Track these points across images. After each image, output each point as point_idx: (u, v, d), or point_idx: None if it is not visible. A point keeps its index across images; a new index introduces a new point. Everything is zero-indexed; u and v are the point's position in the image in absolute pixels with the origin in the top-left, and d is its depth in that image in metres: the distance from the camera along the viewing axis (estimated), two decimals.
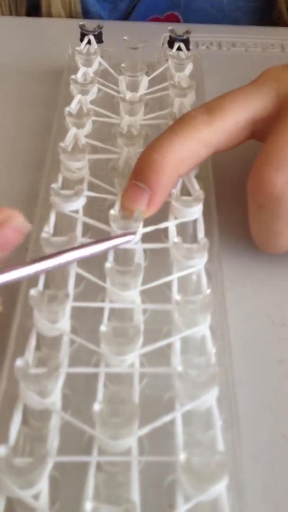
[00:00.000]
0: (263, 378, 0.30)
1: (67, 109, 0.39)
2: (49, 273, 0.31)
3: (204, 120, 0.34)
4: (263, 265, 0.36)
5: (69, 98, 0.41)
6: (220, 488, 0.23)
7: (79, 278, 0.31)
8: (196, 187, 0.35)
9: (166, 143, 0.33)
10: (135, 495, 0.23)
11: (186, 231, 0.34)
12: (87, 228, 0.34)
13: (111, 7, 0.61)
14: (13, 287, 0.33)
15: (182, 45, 0.46)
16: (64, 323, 0.28)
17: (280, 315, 0.33)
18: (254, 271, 0.36)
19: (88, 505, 0.23)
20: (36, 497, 0.23)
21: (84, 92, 0.42)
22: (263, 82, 0.36)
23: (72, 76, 0.43)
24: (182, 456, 0.24)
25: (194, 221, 0.34)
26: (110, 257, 0.31)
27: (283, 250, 0.34)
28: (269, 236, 0.34)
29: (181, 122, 0.34)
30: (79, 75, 0.44)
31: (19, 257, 0.35)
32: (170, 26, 0.48)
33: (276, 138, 0.33)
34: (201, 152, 0.34)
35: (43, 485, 0.23)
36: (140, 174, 0.33)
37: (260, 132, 0.35)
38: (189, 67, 0.45)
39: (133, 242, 0.32)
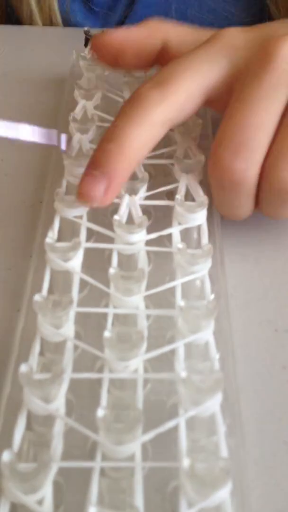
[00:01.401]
0: (266, 384, 0.30)
1: (71, 114, 0.39)
2: (53, 278, 0.31)
3: (156, 98, 0.33)
4: (266, 271, 0.36)
5: (72, 104, 0.42)
6: (223, 494, 0.23)
7: (83, 284, 0.31)
8: (200, 193, 0.35)
9: (122, 133, 0.33)
10: (139, 500, 0.23)
11: (190, 237, 0.34)
12: (91, 234, 0.34)
13: (103, 18, 0.60)
14: (17, 293, 0.34)
15: None
16: (68, 329, 0.29)
17: (283, 322, 0.33)
18: (257, 277, 0.36)
19: (92, 510, 0.23)
20: (40, 502, 0.23)
21: (88, 98, 0.42)
22: (216, 48, 0.34)
23: (77, 82, 0.43)
24: (185, 462, 0.24)
25: (198, 227, 0.34)
26: (114, 262, 0.31)
27: (243, 218, 0.36)
28: (231, 209, 0.35)
29: (133, 103, 0.33)
30: (83, 81, 0.44)
31: (23, 263, 0.35)
32: None
33: (231, 118, 0.33)
34: (158, 132, 0.34)
35: (47, 491, 0.23)
36: (97, 164, 0.32)
37: (213, 101, 0.35)
38: None
39: None
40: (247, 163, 0.32)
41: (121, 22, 0.61)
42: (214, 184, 0.34)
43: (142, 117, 0.33)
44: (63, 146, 0.36)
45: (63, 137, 0.34)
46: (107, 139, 0.33)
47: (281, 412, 0.29)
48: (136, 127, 0.33)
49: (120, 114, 0.34)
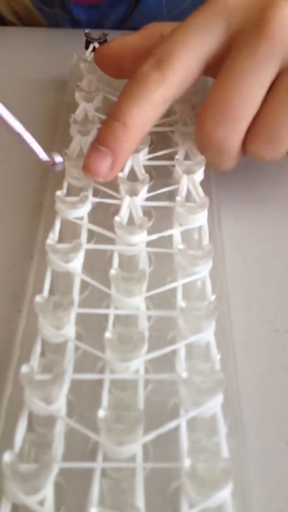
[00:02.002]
0: (267, 384, 0.30)
1: (72, 116, 0.39)
2: (54, 279, 0.31)
3: (156, 78, 0.34)
4: (266, 272, 0.36)
5: (73, 106, 0.42)
6: (224, 495, 0.23)
7: (84, 285, 0.31)
8: (201, 194, 0.35)
9: (126, 112, 0.34)
10: (140, 501, 0.23)
11: (191, 238, 0.34)
12: (92, 235, 0.34)
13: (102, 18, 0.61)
14: (18, 294, 0.34)
15: (98, 46, 0.47)
16: (69, 330, 0.29)
17: (283, 322, 0.33)
18: (258, 277, 0.36)
19: (93, 511, 0.23)
20: (41, 503, 0.23)
21: (89, 100, 0.42)
22: (213, 12, 0.34)
23: (77, 84, 0.43)
24: (186, 463, 0.24)
25: (199, 228, 0.34)
26: (115, 263, 0.31)
27: (227, 169, 0.37)
28: (216, 165, 0.37)
29: (135, 84, 0.34)
30: (84, 83, 0.44)
31: (24, 264, 0.35)
32: None
33: (220, 86, 0.34)
34: (160, 110, 0.35)
35: (48, 491, 0.23)
36: (103, 140, 0.34)
37: (212, 68, 0.35)
38: None
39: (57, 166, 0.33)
40: (228, 132, 0.34)
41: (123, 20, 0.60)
42: (199, 145, 0.36)
43: (144, 98, 0.34)
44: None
45: None
46: (112, 117, 0.34)
47: (282, 412, 0.29)
48: (139, 107, 0.34)
49: (123, 93, 0.35)
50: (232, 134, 0.34)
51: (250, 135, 0.35)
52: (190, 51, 0.34)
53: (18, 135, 0.33)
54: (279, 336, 0.33)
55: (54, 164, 0.33)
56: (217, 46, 0.34)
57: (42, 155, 0.33)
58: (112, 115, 0.34)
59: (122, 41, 0.40)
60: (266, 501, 0.26)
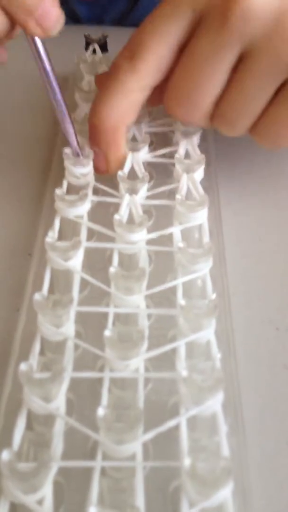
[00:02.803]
0: (268, 383, 0.30)
1: (72, 116, 0.39)
2: (53, 278, 0.31)
3: (127, 68, 0.35)
4: (267, 270, 0.36)
5: (73, 106, 0.42)
6: (225, 494, 0.23)
7: (83, 283, 0.31)
8: (201, 192, 0.35)
9: (100, 107, 0.35)
10: (140, 500, 0.23)
11: (191, 236, 0.34)
12: (92, 234, 0.34)
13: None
14: (17, 292, 0.33)
15: (97, 48, 0.47)
16: (69, 328, 0.28)
17: (284, 321, 0.33)
18: (258, 276, 0.35)
19: (92, 510, 0.23)
20: (40, 502, 0.23)
21: (89, 100, 0.42)
22: (179, 0, 0.34)
23: (77, 84, 0.43)
24: (186, 462, 0.24)
25: (199, 226, 0.34)
26: (115, 261, 0.31)
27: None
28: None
29: (108, 76, 0.35)
30: (84, 83, 0.44)
31: (23, 262, 0.35)
32: None
33: (180, 68, 0.34)
34: (138, 98, 0.35)
35: (47, 490, 0.23)
36: (91, 140, 0.36)
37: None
38: None
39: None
40: (190, 112, 0.35)
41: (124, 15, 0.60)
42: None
43: (116, 89, 0.35)
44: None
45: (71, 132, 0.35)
46: (90, 114, 0.36)
47: (283, 411, 0.29)
48: (113, 97, 0.35)
49: (98, 87, 0.37)
50: (194, 114, 0.35)
51: (214, 113, 0.35)
52: (159, 38, 0.34)
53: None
54: (280, 334, 0.32)
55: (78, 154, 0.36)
56: (185, 32, 0.34)
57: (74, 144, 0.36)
58: (90, 111, 0.36)
59: None
60: (267, 500, 0.26)
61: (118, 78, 0.35)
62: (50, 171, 0.40)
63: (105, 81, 0.35)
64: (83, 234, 0.32)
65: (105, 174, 0.36)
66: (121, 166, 0.36)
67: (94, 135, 0.36)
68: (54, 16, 0.32)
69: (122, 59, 0.35)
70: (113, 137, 0.35)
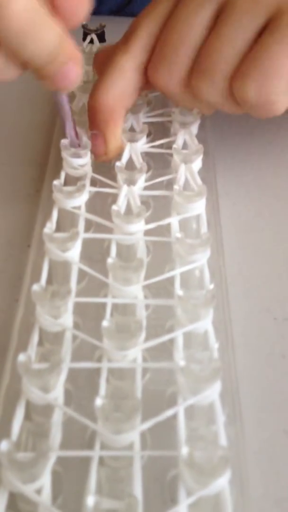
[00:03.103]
0: (265, 373, 0.30)
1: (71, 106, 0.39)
2: (52, 269, 0.31)
3: (121, 50, 0.36)
4: (265, 260, 0.36)
5: (71, 97, 0.41)
6: (222, 483, 0.23)
7: (81, 274, 0.31)
8: (198, 182, 0.35)
9: (98, 88, 0.36)
10: (137, 489, 0.23)
11: (189, 227, 0.34)
12: (89, 225, 0.34)
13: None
14: (15, 283, 0.33)
15: (95, 38, 0.47)
16: (67, 319, 0.28)
17: (282, 311, 0.33)
18: (256, 266, 0.35)
19: (91, 499, 0.23)
20: (38, 491, 0.23)
21: (87, 91, 0.41)
22: None
23: None
24: (184, 451, 0.24)
25: (197, 217, 0.34)
26: (113, 252, 0.31)
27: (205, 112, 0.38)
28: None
29: (106, 60, 0.36)
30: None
31: (21, 253, 0.35)
32: None
33: (161, 35, 0.35)
34: (132, 78, 0.36)
35: (45, 480, 0.23)
36: (90, 123, 0.36)
37: None
38: None
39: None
40: (166, 77, 0.35)
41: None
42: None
43: (112, 70, 0.36)
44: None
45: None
46: (89, 96, 0.36)
47: (281, 401, 0.29)
48: (109, 77, 0.36)
49: (96, 71, 0.38)
50: (173, 76, 0.35)
51: (192, 74, 0.35)
52: (151, 21, 0.35)
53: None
54: (278, 324, 0.32)
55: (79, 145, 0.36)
56: (171, 9, 0.35)
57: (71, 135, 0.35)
58: (90, 94, 0.36)
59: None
60: (264, 489, 0.26)
61: (114, 60, 0.36)
62: (47, 162, 0.40)
63: (102, 65, 0.36)
64: (81, 225, 0.32)
65: (103, 160, 0.36)
66: (119, 152, 0.36)
67: (93, 116, 0.36)
68: (73, 77, 0.31)
69: (117, 44, 0.36)
70: (111, 117, 0.36)
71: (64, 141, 0.36)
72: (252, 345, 0.31)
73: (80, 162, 0.35)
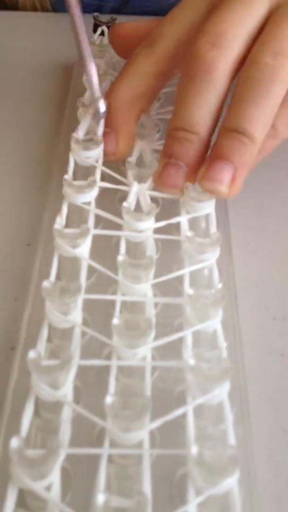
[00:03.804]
0: (264, 372, 0.30)
1: (80, 99, 0.39)
2: (61, 265, 0.31)
3: (146, 53, 0.36)
4: (264, 258, 0.36)
5: (80, 90, 0.41)
6: (231, 482, 0.23)
7: (91, 271, 0.31)
8: None
9: (117, 86, 0.36)
10: (146, 487, 0.23)
11: (198, 226, 0.34)
12: (98, 221, 0.34)
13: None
14: (25, 279, 0.33)
15: (106, 30, 0.47)
16: (76, 315, 0.28)
17: (281, 310, 0.33)
18: (256, 265, 0.35)
19: (100, 497, 0.23)
20: (48, 488, 0.23)
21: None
22: None
23: None
24: (193, 450, 0.24)
25: (206, 216, 0.34)
26: (122, 249, 0.31)
27: None
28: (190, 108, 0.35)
29: (128, 61, 0.36)
30: None
31: (21, 252, 0.35)
32: None
33: (213, 13, 0.34)
34: (153, 84, 0.36)
35: (55, 477, 0.23)
36: (106, 122, 0.36)
37: None
38: None
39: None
40: (221, 53, 0.33)
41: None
42: (183, 74, 0.34)
43: (133, 71, 0.36)
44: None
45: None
46: (108, 93, 0.36)
47: (280, 400, 0.29)
48: (129, 80, 0.36)
49: (119, 73, 0.37)
50: (224, 56, 0.33)
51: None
52: (179, 26, 0.35)
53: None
54: (277, 323, 0.33)
55: (97, 111, 0.35)
56: (203, 16, 0.35)
57: (96, 91, 0.35)
58: (108, 91, 0.36)
59: (138, 24, 0.40)
60: (273, 488, 0.26)
61: (137, 62, 0.35)
62: (50, 160, 0.40)
63: (125, 67, 0.36)
64: (91, 221, 0.32)
65: (111, 160, 0.36)
66: (128, 152, 0.36)
67: (108, 115, 0.36)
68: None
69: (141, 47, 0.36)
70: (125, 116, 0.36)
71: (74, 135, 0.36)
72: (251, 343, 0.31)
73: (88, 154, 0.35)
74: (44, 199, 0.37)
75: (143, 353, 0.27)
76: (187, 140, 0.33)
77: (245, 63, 0.33)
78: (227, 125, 0.32)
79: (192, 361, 0.26)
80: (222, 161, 0.32)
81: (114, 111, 0.35)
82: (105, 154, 0.36)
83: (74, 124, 0.39)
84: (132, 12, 0.57)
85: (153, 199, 0.34)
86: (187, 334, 0.28)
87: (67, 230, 0.31)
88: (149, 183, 0.34)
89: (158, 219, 0.33)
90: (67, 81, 0.47)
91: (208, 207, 0.33)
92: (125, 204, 0.32)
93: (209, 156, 0.33)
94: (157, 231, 0.32)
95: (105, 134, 0.36)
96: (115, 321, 0.27)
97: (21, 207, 0.38)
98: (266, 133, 0.33)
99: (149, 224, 0.32)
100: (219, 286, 0.30)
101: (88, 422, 0.25)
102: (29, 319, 0.30)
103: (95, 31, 0.47)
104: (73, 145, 0.35)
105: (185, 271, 0.31)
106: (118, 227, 0.33)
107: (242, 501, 0.23)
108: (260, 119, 0.32)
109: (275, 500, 0.26)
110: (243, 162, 0.32)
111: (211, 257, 0.31)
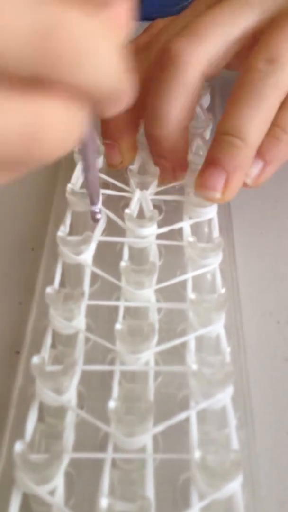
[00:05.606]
0: (268, 376, 0.30)
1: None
2: (65, 271, 0.31)
3: (185, 49, 0.33)
4: (268, 263, 0.36)
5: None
6: (234, 486, 0.23)
7: (94, 277, 0.31)
8: None
9: (158, 101, 0.33)
10: (150, 492, 0.23)
11: (201, 231, 0.34)
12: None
13: None
14: (29, 286, 0.34)
15: None
16: (80, 321, 0.29)
17: (284, 314, 0.33)
18: (260, 270, 0.36)
19: (104, 501, 0.23)
20: (52, 493, 0.23)
21: None
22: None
23: None
24: (197, 454, 0.24)
25: (209, 221, 0.34)
26: (125, 255, 0.31)
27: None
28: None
29: (165, 63, 0.33)
30: None
31: (25, 257, 0.35)
32: None
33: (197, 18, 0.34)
34: (195, 91, 0.34)
35: (58, 481, 0.24)
36: (103, 132, 0.36)
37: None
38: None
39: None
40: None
41: None
42: (156, 77, 0.34)
43: (175, 79, 0.33)
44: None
45: None
46: (149, 107, 0.34)
47: (284, 404, 0.29)
48: (173, 91, 0.33)
49: (154, 78, 0.34)
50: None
51: None
52: (224, 26, 0.34)
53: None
54: (281, 327, 0.33)
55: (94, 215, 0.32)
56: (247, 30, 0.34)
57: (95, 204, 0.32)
58: (148, 105, 0.34)
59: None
60: (276, 492, 0.26)
61: (178, 66, 0.33)
62: (60, 163, 0.40)
63: (161, 71, 0.34)
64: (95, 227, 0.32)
65: (118, 168, 0.36)
66: (134, 158, 0.36)
67: (107, 126, 0.36)
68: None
69: (179, 42, 0.33)
70: (126, 128, 0.36)
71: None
72: (255, 348, 0.31)
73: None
74: (49, 205, 0.37)
75: (146, 358, 0.27)
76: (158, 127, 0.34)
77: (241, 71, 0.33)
78: (220, 128, 0.32)
79: (195, 366, 0.26)
80: (213, 167, 0.32)
81: (113, 123, 0.35)
82: (111, 165, 0.36)
83: None
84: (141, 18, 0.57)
85: (156, 206, 0.35)
86: (190, 339, 0.28)
87: (71, 238, 0.31)
88: (151, 189, 0.35)
89: (161, 225, 0.33)
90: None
91: (210, 212, 0.33)
92: (127, 211, 0.32)
93: (203, 162, 0.33)
94: (160, 237, 0.33)
95: (107, 146, 0.36)
96: (118, 326, 0.27)
97: (25, 212, 0.39)
98: (265, 135, 0.32)
99: (151, 230, 0.32)
100: (222, 290, 0.30)
101: (92, 427, 0.25)
102: (34, 324, 0.30)
103: None
104: (76, 155, 0.35)
105: (188, 276, 0.31)
106: (122, 233, 0.33)
107: (245, 505, 0.23)
108: (253, 121, 0.32)
109: (279, 504, 0.26)
110: (235, 166, 0.32)
111: (214, 262, 0.31)
